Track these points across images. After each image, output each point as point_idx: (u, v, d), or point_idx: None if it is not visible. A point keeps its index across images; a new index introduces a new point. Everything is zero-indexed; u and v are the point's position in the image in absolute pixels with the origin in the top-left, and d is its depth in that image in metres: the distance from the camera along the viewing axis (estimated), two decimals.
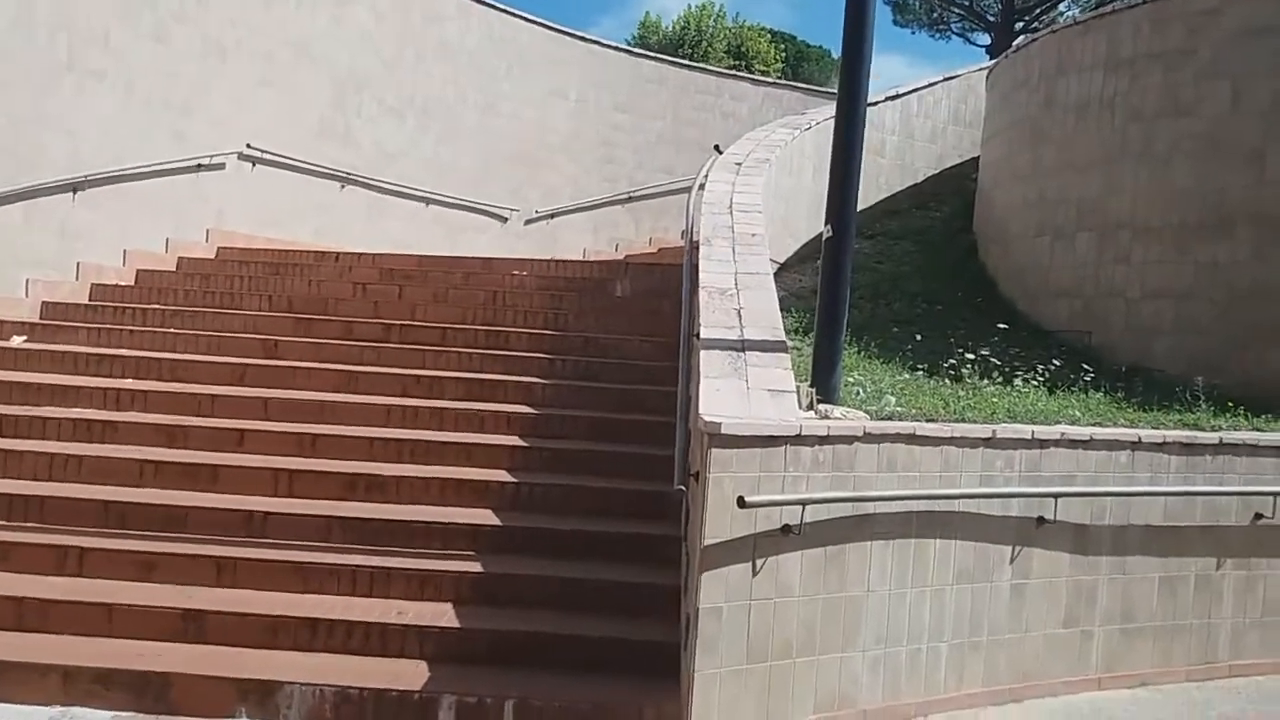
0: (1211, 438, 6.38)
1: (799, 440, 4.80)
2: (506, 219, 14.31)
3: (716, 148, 9.97)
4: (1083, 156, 9.63)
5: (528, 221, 14.54)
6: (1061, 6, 25.58)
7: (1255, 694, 6.18)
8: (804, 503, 4.77)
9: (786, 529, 4.77)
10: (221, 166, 10.94)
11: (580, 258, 13.43)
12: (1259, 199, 8.25)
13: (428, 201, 13.29)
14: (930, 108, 14.31)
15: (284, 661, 4.96)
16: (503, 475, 6.51)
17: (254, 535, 5.81)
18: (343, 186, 12.30)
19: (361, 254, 10.64)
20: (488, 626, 5.20)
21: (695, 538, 4.79)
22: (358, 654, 5.06)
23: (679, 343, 6.55)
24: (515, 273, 9.99)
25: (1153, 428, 6.40)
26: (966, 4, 27.71)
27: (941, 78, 14.54)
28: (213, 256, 10.45)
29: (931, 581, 5.41)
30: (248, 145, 11.15)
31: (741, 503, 4.56)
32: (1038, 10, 26.22)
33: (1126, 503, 6.06)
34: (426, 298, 9.20)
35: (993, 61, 13.50)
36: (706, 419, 4.59)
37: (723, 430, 4.55)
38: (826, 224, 5.60)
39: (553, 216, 14.84)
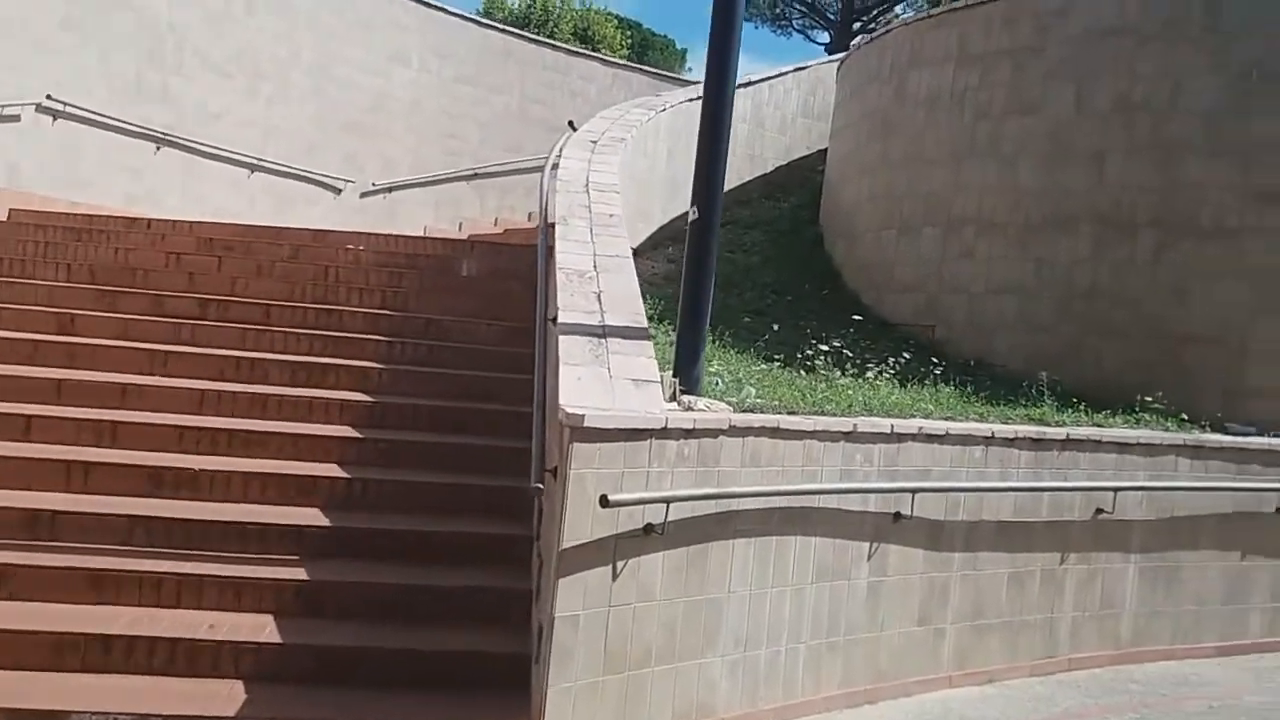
0: (1059, 433, 6.46)
1: (664, 434, 4.51)
2: (341, 190, 13.48)
3: (570, 124, 9.58)
4: (931, 151, 9.72)
5: (364, 194, 13.74)
6: (899, 9, 26.34)
7: (1094, 687, 6.30)
8: (669, 500, 4.49)
9: (649, 529, 4.47)
10: (16, 118, 9.81)
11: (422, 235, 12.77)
12: (1099, 200, 8.48)
13: (254, 168, 12.37)
14: (781, 98, 14.32)
15: (72, 686, 4.35)
16: (333, 470, 5.97)
17: (40, 538, 5.11)
18: (159, 148, 11.28)
19: (177, 221, 9.77)
20: (314, 641, 4.70)
21: (551, 539, 4.41)
22: (161, 675, 4.49)
23: (532, 327, 6.15)
24: (350, 247, 9.33)
25: (1003, 423, 6.44)
26: (809, 1, 28.16)
27: (792, 68, 14.59)
28: (3, 219, 9.35)
29: (792, 580, 5.24)
30: (49, 97, 10.03)
31: (604, 501, 4.22)
32: (875, 11, 26.90)
33: (979, 498, 6.06)
34: (249, 271, 8.45)
35: (845, 53, 13.57)
36: (569, 410, 4.21)
37: (586, 423, 4.18)
38: (692, 205, 5.30)
39: (391, 190, 14.09)
